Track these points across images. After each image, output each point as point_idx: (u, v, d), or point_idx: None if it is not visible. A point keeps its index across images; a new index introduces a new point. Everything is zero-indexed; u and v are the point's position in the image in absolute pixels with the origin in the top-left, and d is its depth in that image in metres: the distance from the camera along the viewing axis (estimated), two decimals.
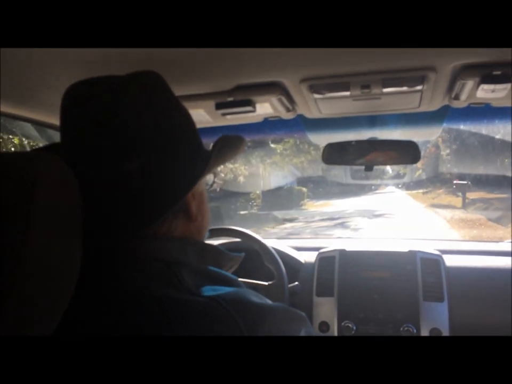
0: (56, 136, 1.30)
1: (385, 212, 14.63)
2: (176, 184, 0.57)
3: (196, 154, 0.62)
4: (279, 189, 17.46)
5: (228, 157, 0.70)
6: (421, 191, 22.82)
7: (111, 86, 0.59)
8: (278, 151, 15.97)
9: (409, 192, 24.30)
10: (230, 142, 0.68)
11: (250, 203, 15.76)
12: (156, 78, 0.63)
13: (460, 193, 16.17)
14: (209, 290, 0.53)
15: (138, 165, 0.55)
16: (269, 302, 0.58)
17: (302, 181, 19.77)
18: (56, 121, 1.06)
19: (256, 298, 0.56)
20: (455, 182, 17.07)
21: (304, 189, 19.11)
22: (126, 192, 0.55)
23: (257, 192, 16.25)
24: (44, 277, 0.42)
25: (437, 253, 1.56)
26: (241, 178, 14.01)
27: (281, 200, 16.40)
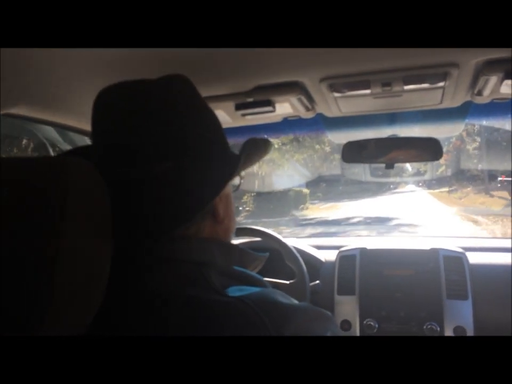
0: (77, 138, 1.33)
1: (402, 222, 11.07)
2: (205, 187, 0.58)
3: (224, 157, 0.63)
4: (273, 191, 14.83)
5: (255, 160, 0.70)
6: (445, 189, 20.85)
7: (142, 89, 0.60)
8: (276, 146, 12.30)
9: (431, 191, 22.12)
10: (257, 145, 0.68)
11: (241, 208, 13.51)
12: (184, 82, 0.64)
13: (494, 192, 13.84)
14: (236, 291, 0.54)
15: (169, 168, 0.56)
16: (295, 301, 0.58)
17: (314, 181, 18.30)
18: (79, 124, 1.08)
19: (282, 298, 0.56)
20: (500, 178, 15.24)
21: (306, 190, 16.47)
22: (156, 194, 0.56)
23: (252, 195, 14.14)
24: (77, 279, 0.43)
25: (460, 250, 1.54)
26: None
27: (275, 204, 14.10)
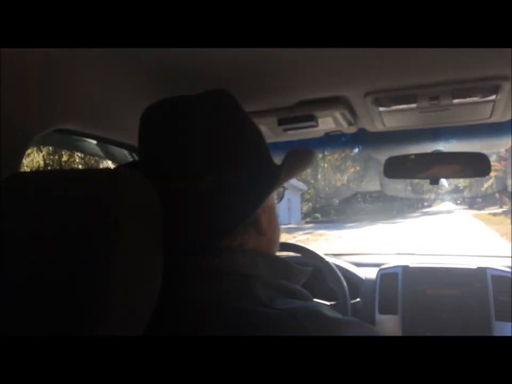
0: (118, 154, 1.36)
1: None
2: (247, 199, 0.58)
3: (266, 169, 0.63)
4: None
5: (297, 172, 0.70)
6: (494, 210, 16.68)
7: (186, 104, 0.62)
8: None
9: (476, 212, 17.61)
10: (300, 156, 0.68)
11: None
12: (227, 96, 0.64)
13: None
14: (281, 303, 0.53)
15: (211, 182, 0.57)
16: (341, 316, 0.57)
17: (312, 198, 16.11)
18: (125, 139, 1.11)
19: (329, 312, 0.55)
20: None
21: None
22: (198, 208, 0.57)
23: None
24: (130, 295, 0.43)
25: (508, 269, 1.47)
26: None
27: None
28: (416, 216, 17.82)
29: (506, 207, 16.46)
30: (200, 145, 0.58)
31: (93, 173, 0.49)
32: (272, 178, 0.60)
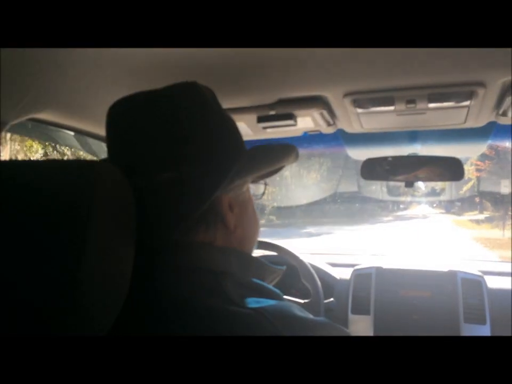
0: (96, 146, 1.34)
1: None
2: (199, 192, 0.56)
3: (224, 163, 0.60)
4: None
5: (260, 168, 0.66)
6: (474, 215, 14.59)
7: (149, 99, 0.60)
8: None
9: (456, 218, 15.35)
10: (270, 150, 0.65)
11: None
12: (194, 89, 0.62)
13: None
14: (253, 302, 0.53)
15: (168, 178, 0.56)
16: (312, 317, 0.57)
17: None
18: (95, 130, 1.10)
19: (300, 312, 0.55)
20: None
21: None
22: (156, 202, 0.57)
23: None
24: (102, 283, 0.43)
25: (479, 273, 1.50)
26: None
27: None
28: (388, 221, 16.54)
29: (487, 212, 14.53)
30: (156, 140, 0.57)
31: (69, 162, 0.48)
32: (225, 170, 0.58)
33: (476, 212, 15.38)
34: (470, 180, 13.37)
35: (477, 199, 15.14)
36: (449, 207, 17.19)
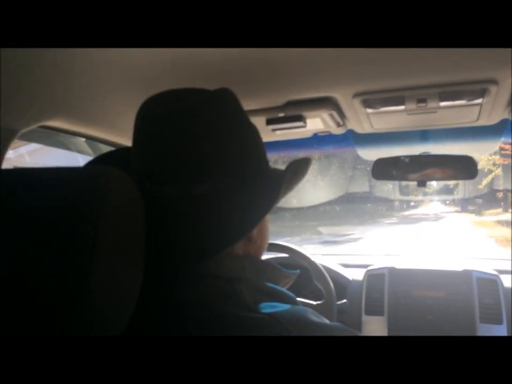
0: (104, 150, 1.35)
1: None
2: (248, 212, 0.56)
3: (267, 180, 0.60)
4: None
5: (296, 184, 0.67)
6: (498, 215, 11.85)
7: (185, 104, 0.57)
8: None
9: (477, 218, 12.46)
10: (300, 167, 0.65)
11: None
12: (231, 99, 0.61)
13: None
14: (267, 307, 0.52)
15: (206, 189, 0.55)
16: (327, 321, 0.57)
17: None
18: (112, 137, 1.10)
19: (314, 317, 0.54)
20: None
21: None
22: (194, 216, 0.55)
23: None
24: (108, 293, 0.43)
25: (494, 272, 1.48)
26: None
27: None
28: (389, 224, 13.50)
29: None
30: (194, 148, 0.55)
31: (74, 172, 0.48)
32: (274, 191, 0.58)
33: (499, 210, 12.22)
34: (490, 172, 11.03)
35: (500, 194, 11.91)
36: (465, 204, 14.38)
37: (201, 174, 0.55)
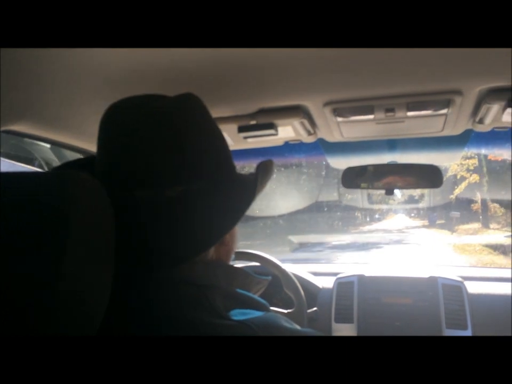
0: (72, 157, 1.31)
1: None
2: (225, 216, 0.56)
3: (241, 183, 0.60)
4: None
5: (266, 183, 0.67)
6: (472, 230, 9.51)
7: (153, 107, 0.57)
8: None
9: (454, 239, 9.43)
10: (268, 168, 0.65)
11: None
12: (197, 102, 0.61)
13: None
14: (239, 314, 0.52)
15: (181, 192, 0.55)
16: (298, 327, 0.57)
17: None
18: (79, 143, 1.07)
19: (286, 323, 0.55)
20: None
21: None
22: (169, 218, 0.54)
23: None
24: (78, 294, 0.42)
25: (459, 279, 1.52)
26: None
27: None
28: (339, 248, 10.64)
29: (497, 225, 8.96)
30: (166, 151, 0.55)
31: (44, 173, 0.47)
32: (250, 192, 0.58)
33: (477, 225, 9.81)
34: (463, 179, 9.48)
35: (475, 206, 9.64)
36: (433, 217, 11.78)
37: (174, 176, 0.55)
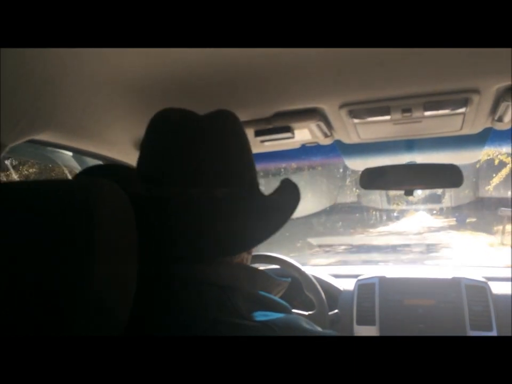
0: (92, 164, 1.34)
1: None
2: (270, 222, 0.59)
3: (281, 193, 0.66)
4: None
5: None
6: None
7: (199, 119, 0.63)
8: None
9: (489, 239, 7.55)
10: (292, 184, 0.70)
11: None
12: (235, 118, 0.67)
13: None
14: (261, 316, 0.53)
15: (227, 194, 0.59)
16: (319, 329, 0.57)
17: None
18: (100, 150, 1.10)
19: (307, 325, 0.55)
20: None
21: None
22: (215, 216, 0.57)
23: None
24: (108, 294, 0.44)
25: (483, 279, 1.50)
26: None
27: None
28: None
29: None
30: (214, 157, 0.60)
31: (66, 181, 0.48)
32: (291, 204, 0.63)
33: None
34: (504, 165, 7.52)
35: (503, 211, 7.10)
36: (463, 216, 9.34)
37: (222, 179, 0.60)
